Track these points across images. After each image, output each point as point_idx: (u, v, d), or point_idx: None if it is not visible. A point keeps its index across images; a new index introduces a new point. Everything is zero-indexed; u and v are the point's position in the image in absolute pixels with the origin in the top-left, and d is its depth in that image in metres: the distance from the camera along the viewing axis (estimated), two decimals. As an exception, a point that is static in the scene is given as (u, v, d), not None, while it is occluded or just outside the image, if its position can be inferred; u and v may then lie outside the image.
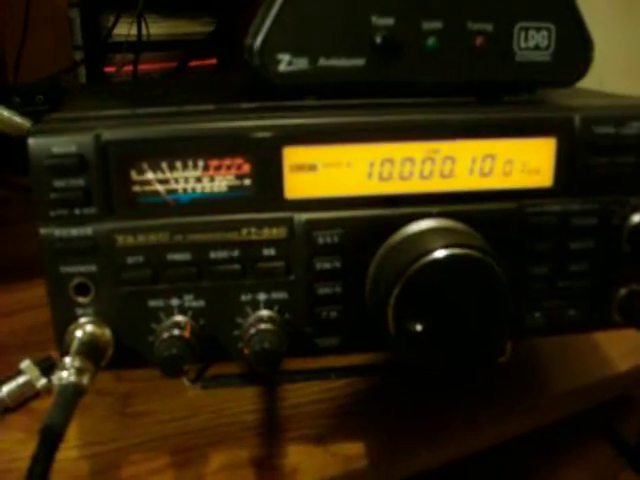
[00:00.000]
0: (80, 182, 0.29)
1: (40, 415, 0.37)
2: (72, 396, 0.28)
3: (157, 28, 1.16)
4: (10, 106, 0.61)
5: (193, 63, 1.21)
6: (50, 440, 0.25)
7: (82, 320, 0.31)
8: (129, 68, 1.13)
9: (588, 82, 0.51)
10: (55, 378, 0.29)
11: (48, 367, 0.39)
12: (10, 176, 0.64)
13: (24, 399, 0.39)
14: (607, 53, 0.63)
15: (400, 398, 0.40)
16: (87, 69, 1.14)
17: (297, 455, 0.35)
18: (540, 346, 0.44)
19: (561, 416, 0.42)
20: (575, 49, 0.33)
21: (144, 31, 1.06)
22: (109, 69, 1.18)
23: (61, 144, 0.29)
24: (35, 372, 0.39)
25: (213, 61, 1.21)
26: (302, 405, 0.39)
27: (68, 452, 0.35)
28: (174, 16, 1.19)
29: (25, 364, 0.39)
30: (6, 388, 0.38)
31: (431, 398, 0.39)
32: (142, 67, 1.16)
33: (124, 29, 1.11)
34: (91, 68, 1.13)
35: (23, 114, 0.60)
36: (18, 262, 0.55)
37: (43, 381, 0.39)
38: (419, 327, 0.29)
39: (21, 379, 0.39)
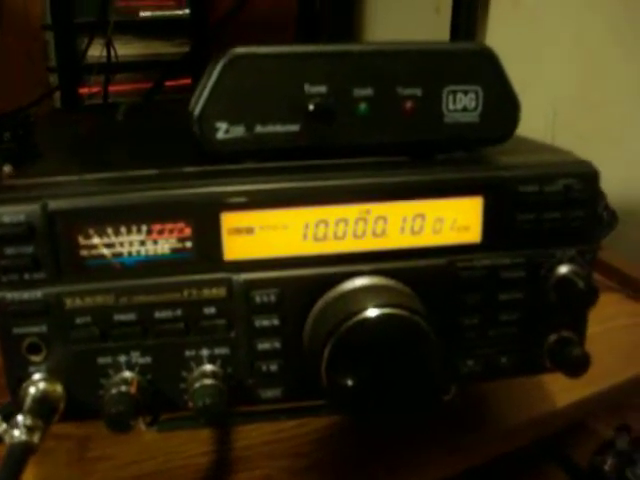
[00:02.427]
0: (29, 249, 0.31)
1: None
2: (22, 455, 0.30)
3: (130, 49, 1.18)
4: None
5: (168, 83, 1.22)
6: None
7: (35, 377, 0.33)
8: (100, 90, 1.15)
9: (541, 112, 0.54)
10: (7, 437, 0.31)
11: (9, 413, 0.41)
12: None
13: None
14: (561, 84, 0.65)
15: (346, 439, 0.42)
16: (62, 92, 1.15)
17: (247, 497, 0.37)
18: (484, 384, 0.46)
19: (508, 449, 0.44)
20: (502, 109, 0.35)
21: (114, 53, 1.08)
22: (83, 90, 1.19)
23: (10, 214, 0.31)
24: (-4, 419, 0.41)
25: (188, 81, 1.22)
26: (254, 446, 0.41)
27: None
28: (147, 37, 1.21)
29: (-13, 411, 0.41)
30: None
31: (376, 439, 0.42)
32: (116, 88, 1.18)
33: (98, 50, 1.13)
34: (66, 91, 1.15)
35: (-11, 152, 0.62)
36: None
37: (3, 427, 0.41)
38: (350, 382, 0.31)
39: (-19, 427, 0.40)
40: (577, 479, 0.53)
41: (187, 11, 1.21)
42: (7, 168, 0.62)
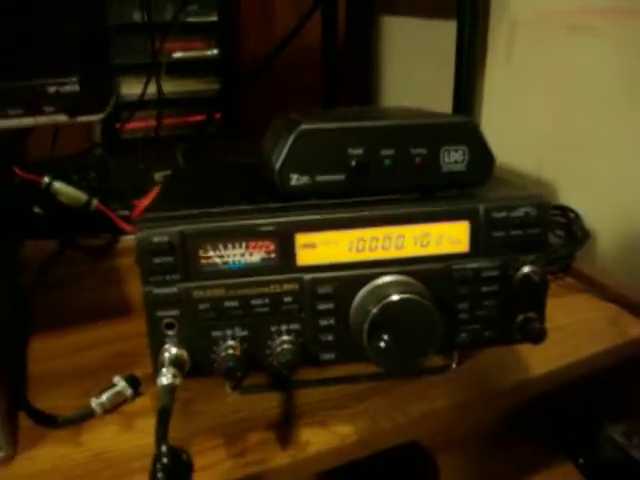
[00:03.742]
0: (169, 259, 0.52)
1: (129, 415, 0.60)
2: (172, 391, 0.50)
3: (165, 87, 1.39)
4: (69, 182, 0.84)
5: (198, 118, 1.45)
6: (166, 414, 0.48)
7: (168, 346, 0.54)
8: (135, 125, 1.38)
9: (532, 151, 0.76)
10: (158, 382, 0.51)
11: (133, 381, 0.62)
12: (75, 239, 0.86)
13: (117, 404, 0.61)
14: (542, 126, 0.86)
15: (375, 398, 0.62)
16: (102, 128, 1.37)
17: (308, 434, 0.58)
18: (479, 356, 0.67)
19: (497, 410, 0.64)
20: (482, 162, 0.56)
21: (149, 90, 1.30)
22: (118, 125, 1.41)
23: (158, 235, 0.52)
24: (124, 384, 0.61)
25: (217, 115, 1.44)
26: (311, 403, 0.61)
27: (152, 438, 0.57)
28: (178, 76, 1.43)
29: (117, 379, 0.62)
30: (105, 395, 0.60)
31: (397, 399, 0.62)
32: (147, 124, 1.41)
33: (135, 89, 1.36)
34: (106, 127, 1.37)
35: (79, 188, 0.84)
36: (90, 309, 0.78)
37: (130, 391, 0.61)
38: (382, 344, 0.52)
39: (115, 389, 0.61)
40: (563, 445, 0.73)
41: (216, 52, 1.43)
42: (95, 201, 0.83)
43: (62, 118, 0.61)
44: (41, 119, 0.60)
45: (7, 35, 0.60)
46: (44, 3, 0.61)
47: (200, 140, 1.32)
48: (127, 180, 0.96)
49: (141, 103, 1.33)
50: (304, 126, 0.54)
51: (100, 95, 0.63)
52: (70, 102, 0.60)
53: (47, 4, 0.61)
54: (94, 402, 0.60)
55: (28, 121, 0.60)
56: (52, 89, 0.59)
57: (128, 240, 0.89)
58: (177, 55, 1.42)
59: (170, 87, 1.41)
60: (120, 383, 0.61)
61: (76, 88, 0.60)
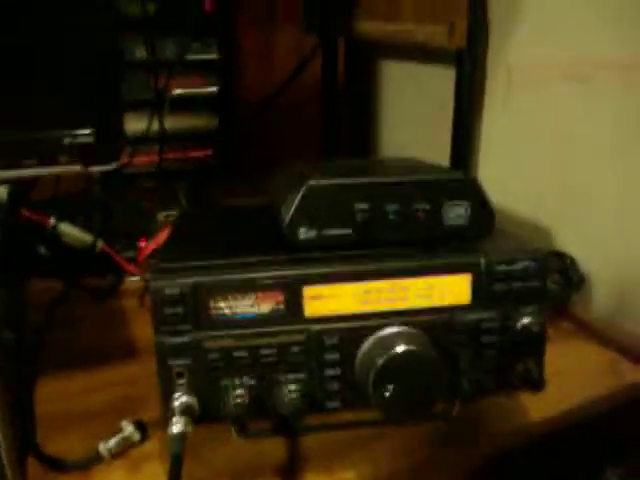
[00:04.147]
0: (181, 309, 0.55)
1: (136, 460, 0.62)
2: (183, 439, 0.53)
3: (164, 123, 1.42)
4: (74, 223, 0.86)
5: (198, 154, 1.48)
6: (178, 461, 0.50)
7: (179, 394, 0.56)
8: (135, 160, 1.41)
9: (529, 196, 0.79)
10: (169, 431, 0.54)
11: (140, 426, 0.64)
12: (78, 278, 0.89)
13: (124, 448, 0.63)
14: (540, 177, 0.90)
15: (378, 444, 0.64)
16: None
17: (313, 479, 0.60)
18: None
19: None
20: (482, 217, 0.59)
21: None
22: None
23: (170, 287, 0.54)
24: (132, 429, 0.63)
25: (209, 152, 1.47)
26: (315, 448, 0.63)
27: (162, 482, 0.59)
28: (178, 112, 1.45)
29: (124, 423, 0.64)
30: (113, 441, 0.63)
31: (399, 445, 0.64)
32: (143, 159, 1.44)
33: (134, 124, 1.38)
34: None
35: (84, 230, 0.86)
36: (95, 351, 0.80)
37: (137, 436, 0.63)
38: (387, 394, 0.54)
39: (123, 434, 0.63)
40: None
41: (215, 89, 1.46)
42: (100, 243, 0.86)
43: (76, 168, 0.63)
44: (55, 169, 0.63)
45: (22, 86, 0.63)
46: (59, 52, 0.64)
47: (200, 176, 1.34)
48: (130, 219, 0.99)
49: (143, 140, 1.36)
50: (312, 182, 0.57)
51: (113, 143, 0.65)
52: (85, 153, 0.63)
53: (62, 54, 0.64)
54: (102, 447, 0.62)
55: (43, 171, 0.63)
56: (67, 140, 0.62)
57: (132, 282, 0.91)
58: (177, 92, 1.45)
59: (169, 123, 1.44)
60: (127, 428, 0.63)
61: (91, 139, 0.62)
